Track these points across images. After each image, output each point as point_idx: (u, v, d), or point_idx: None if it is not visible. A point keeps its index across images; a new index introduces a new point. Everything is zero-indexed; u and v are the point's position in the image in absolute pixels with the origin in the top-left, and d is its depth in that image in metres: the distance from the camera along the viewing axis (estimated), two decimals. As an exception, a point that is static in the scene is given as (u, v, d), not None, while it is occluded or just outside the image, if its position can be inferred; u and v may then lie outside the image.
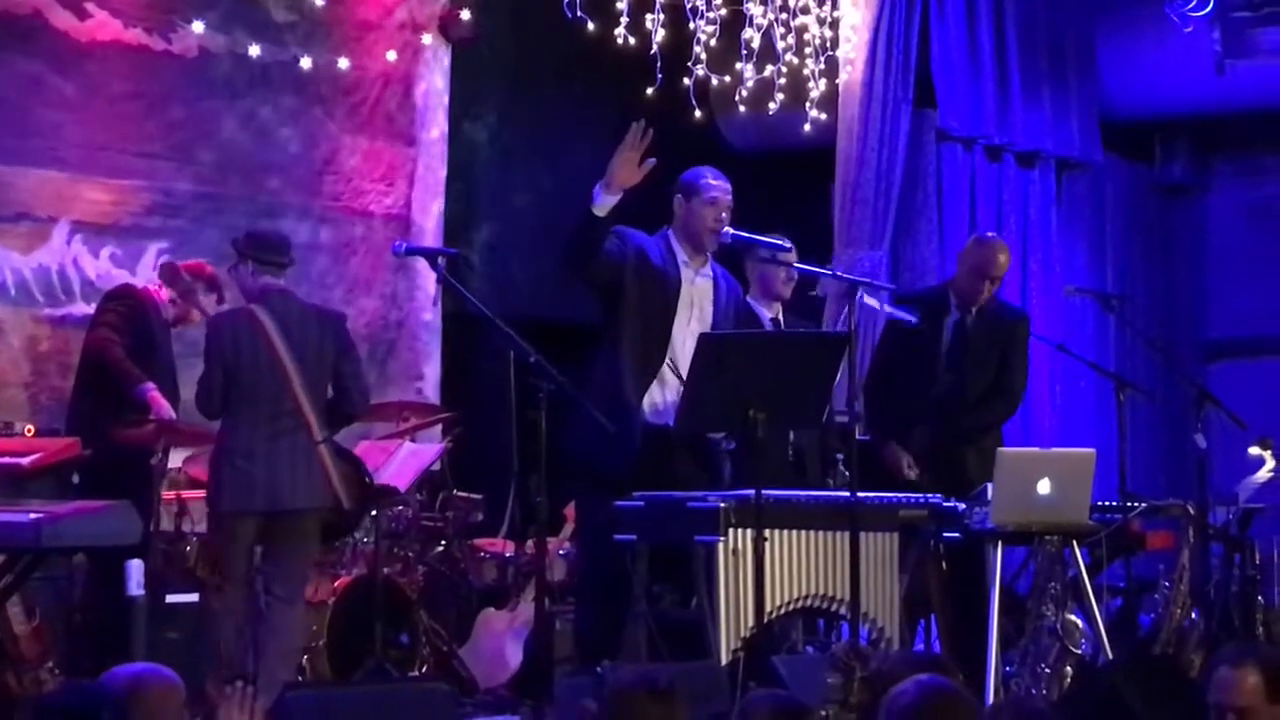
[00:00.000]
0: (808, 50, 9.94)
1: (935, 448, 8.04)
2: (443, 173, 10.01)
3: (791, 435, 7.91)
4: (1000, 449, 7.54)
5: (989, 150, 10.87)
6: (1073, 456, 7.54)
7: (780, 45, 9.84)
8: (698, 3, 9.40)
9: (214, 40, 9.08)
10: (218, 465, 7.18)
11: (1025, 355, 8.32)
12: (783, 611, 6.79)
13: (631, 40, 9.14)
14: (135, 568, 6.77)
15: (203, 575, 7.37)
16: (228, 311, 7.65)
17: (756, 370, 6.52)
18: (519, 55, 10.50)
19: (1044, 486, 7.17)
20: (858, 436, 7.04)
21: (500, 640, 8.40)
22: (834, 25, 10.02)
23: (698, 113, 9.69)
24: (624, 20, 9.08)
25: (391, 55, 9.74)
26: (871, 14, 10.02)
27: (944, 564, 7.40)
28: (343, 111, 9.63)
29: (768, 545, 6.45)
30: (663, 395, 7.02)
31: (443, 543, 8.79)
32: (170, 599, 7.23)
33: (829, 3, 9.98)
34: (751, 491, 6.43)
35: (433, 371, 9.96)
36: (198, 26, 8.96)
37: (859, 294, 6.99)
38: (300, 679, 7.50)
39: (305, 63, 9.35)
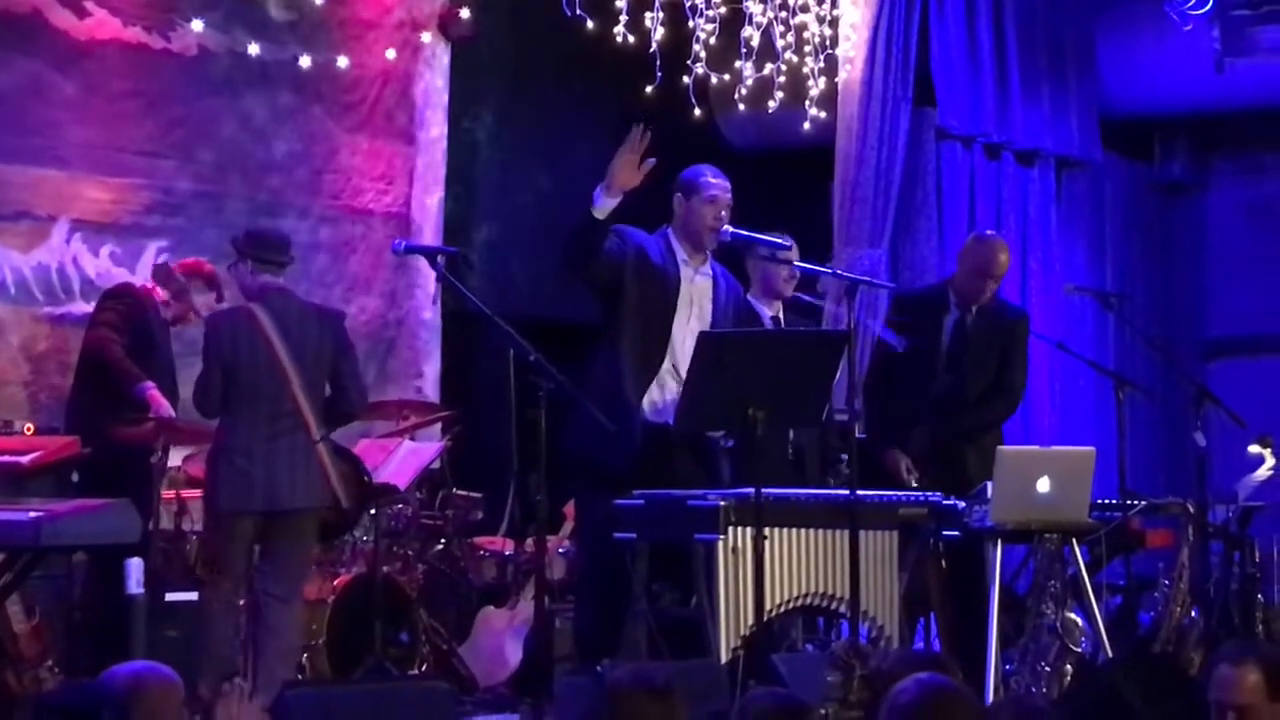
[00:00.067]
0: (807, 48, 9.93)
1: (935, 447, 8.05)
2: (442, 171, 10.01)
3: (791, 434, 7.91)
4: (1000, 447, 7.54)
5: (988, 149, 10.87)
6: (1072, 455, 7.54)
7: (780, 43, 9.83)
8: (697, 1, 9.39)
9: (213, 39, 9.08)
10: (216, 464, 7.17)
11: (1025, 354, 8.33)
12: (782, 610, 6.79)
13: (631, 38, 9.14)
14: (135, 566, 6.77)
15: (201, 574, 7.37)
16: (226, 310, 7.65)
17: (756, 369, 6.52)
18: (518, 53, 10.50)
19: (1044, 485, 7.17)
20: (857, 435, 7.05)
21: (500, 638, 8.40)
22: (833, 23, 10.01)
23: (697, 111, 9.68)
24: (623, 18, 9.07)
25: (391, 54, 9.74)
26: (871, 12, 10.01)
27: (944, 562, 7.40)
28: (342, 110, 9.63)
29: (767, 543, 6.45)
30: (662, 394, 7.03)
31: (442, 541, 8.79)
32: (170, 597, 7.23)
33: (828, 1, 9.97)
34: (751, 490, 6.43)
35: (432, 370, 9.96)
36: (197, 25, 8.96)
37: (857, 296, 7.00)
38: (300, 677, 7.50)
39: (304, 61, 9.35)
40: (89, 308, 8.23)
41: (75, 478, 7.56)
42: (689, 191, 7.16)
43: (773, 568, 6.58)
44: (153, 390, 7.68)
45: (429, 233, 9.87)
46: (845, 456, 7.96)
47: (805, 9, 9.88)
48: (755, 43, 9.74)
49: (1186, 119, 11.93)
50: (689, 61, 9.52)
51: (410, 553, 8.44)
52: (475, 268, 10.02)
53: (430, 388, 9.91)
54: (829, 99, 10.08)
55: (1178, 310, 12.48)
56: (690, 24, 9.40)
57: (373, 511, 7.97)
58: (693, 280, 7.17)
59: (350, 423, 7.68)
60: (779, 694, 4.53)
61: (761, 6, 9.71)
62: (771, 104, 9.98)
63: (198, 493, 7.57)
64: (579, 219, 6.82)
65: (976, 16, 10.61)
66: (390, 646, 7.89)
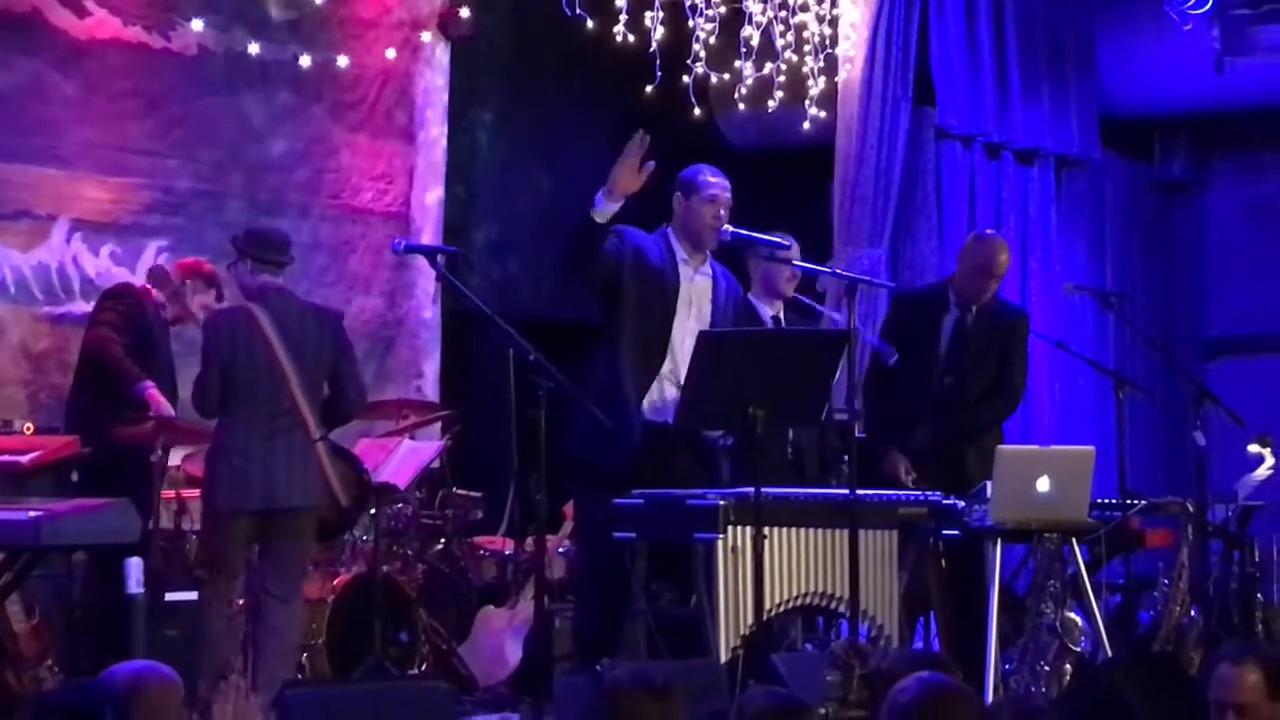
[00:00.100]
0: (807, 48, 9.94)
1: (936, 446, 8.04)
2: (442, 171, 10.02)
3: (790, 433, 7.92)
4: (999, 447, 7.54)
5: (988, 148, 10.87)
6: (1072, 454, 7.54)
7: (779, 43, 9.84)
8: (697, 1, 9.40)
9: (213, 38, 9.08)
10: (214, 463, 7.18)
11: (1025, 353, 8.33)
12: (782, 609, 6.79)
13: (631, 38, 9.15)
14: (134, 566, 6.76)
15: (199, 574, 7.37)
16: (225, 310, 7.65)
17: (756, 368, 6.52)
18: (518, 53, 10.50)
19: (1043, 484, 7.17)
20: (856, 435, 7.05)
21: (499, 638, 8.40)
22: (833, 23, 10.02)
23: (697, 110, 9.69)
24: (623, 18, 9.08)
25: (391, 53, 9.74)
26: (871, 12, 10.02)
27: (943, 562, 7.40)
28: (342, 109, 9.63)
29: (767, 543, 6.45)
30: (661, 394, 7.03)
31: (442, 541, 8.79)
32: (169, 597, 7.23)
33: (828, 0, 9.98)
34: (751, 489, 6.43)
35: (432, 369, 9.96)
36: (197, 24, 8.96)
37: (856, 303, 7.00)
38: (300, 677, 7.50)
39: (304, 61, 9.35)
40: (89, 307, 8.23)
41: (75, 477, 7.57)
42: (688, 191, 7.16)
43: (772, 567, 6.58)
44: (152, 390, 7.68)
45: (429, 232, 9.87)
46: (846, 458, 7.98)
47: (805, 8, 9.89)
48: (755, 42, 9.75)
49: (1186, 118, 11.93)
50: (689, 61, 9.53)
51: (410, 552, 8.44)
52: (474, 267, 10.05)
53: (430, 387, 9.91)
54: (829, 98, 10.09)
55: (1177, 310, 12.48)
56: (690, 23, 9.41)
57: (372, 511, 7.97)
58: (692, 280, 7.17)
59: (348, 423, 7.67)
60: (778, 693, 4.53)
61: (761, 6, 9.71)
62: (771, 103, 9.99)
63: (197, 492, 7.57)
64: (579, 222, 6.83)
65: (976, 16, 10.61)
66: (390, 646, 7.89)
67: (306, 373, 7.21)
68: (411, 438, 8.56)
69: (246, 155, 9.25)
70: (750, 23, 9.69)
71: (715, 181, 7.17)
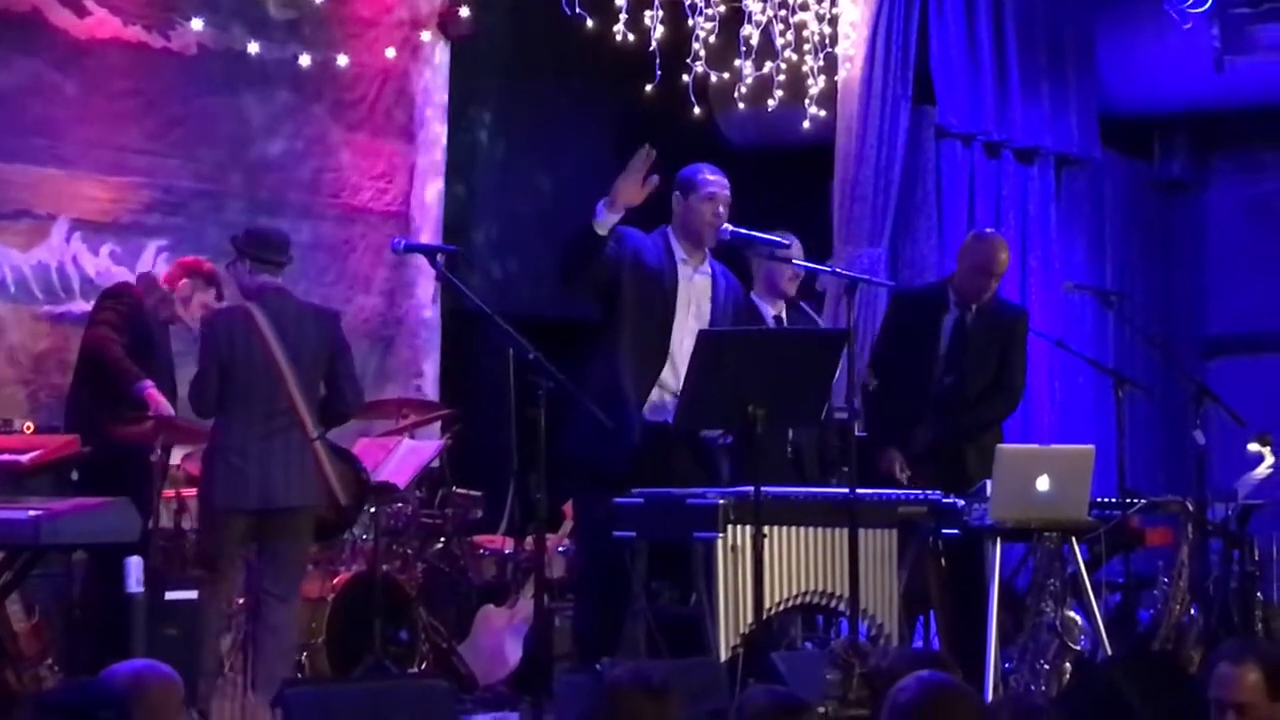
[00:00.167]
0: (807, 47, 9.94)
1: (936, 445, 8.04)
2: (441, 170, 10.01)
3: (790, 433, 7.92)
4: (999, 446, 7.55)
5: (988, 147, 10.87)
6: (1072, 453, 7.54)
7: (779, 42, 9.84)
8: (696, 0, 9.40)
9: (213, 38, 9.08)
10: (211, 462, 7.18)
11: (1024, 352, 8.33)
12: (782, 608, 6.79)
13: (630, 37, 9.14)
14: (134, 565, 6.77)
15: (195, 572, 7.37)
16: (223, 310, 7.65)
17: (756, 367, 6.52)
18: (518, 52, 10.50)
19: (1043, 483, 7.18)
20: (856, 434, 7.05)
21: (499, 637, 8.40)
22: (833, 22, 10.02)
23: (697, 110, 9.69)
24: (623, 17, 9.08)
25: (390, 52, 9.74)
26: (870, 11, 10.02)
27: (943, 561, 7.40)
28: (342, 109, 9.63)
29: (766, 542, 6.45)
30: (661, 393, 7.03)
31: (442, 540, 8.79)
32: (169, 596, 7.22)
33: (828, -1, 9.99)
34: (750, 488, 6.43)
35: (432, 368, 9.96)
36: (196, 24, 8.96)
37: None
38: (299, 675, 7.50)
39: (304, 60, 9.35)
40: (89, 307, 8.23)
41: (75, 476, 7.56)
42: (687, 189, 7.17)
43: (772, 566, 6.58)
44: (151, 389, 7.68)
45: (428, 231, 9.86)
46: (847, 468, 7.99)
47: (805, 7, 9.89)
48: (755, 41, 9.75)
49: (1186, 117, 11.93)
50: (688, 60, 9.53)
51: (410, 551, 8.44)
52: (473, 266, 10.05)
53: (430, 386, 9.91)
54: (828, 97, 10.09)
55: (1177, 308, 12.47)
56: (690, 22, 9.41)
57: (372, 510, 7.97)
58: (691, 279, 7.18)
59: (345, 422, 7.67)
60: (777, 692, 4.53)
61: (761, 5, 9.71)
62: (771, 102, 9.98)
63: (197, 491, 7.57)
64: (579, 232, 6.85)
65: (976, 15, 10.61)
66: (390, 645, 7.89)
67: (304, 372, 7.21)
68: (411, 437, 8.57)
69: (246, 154, 9.25)
70: (750, 22, 9.69)
71: (714, 179, 7.18)
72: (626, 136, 10.47)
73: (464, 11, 9.89)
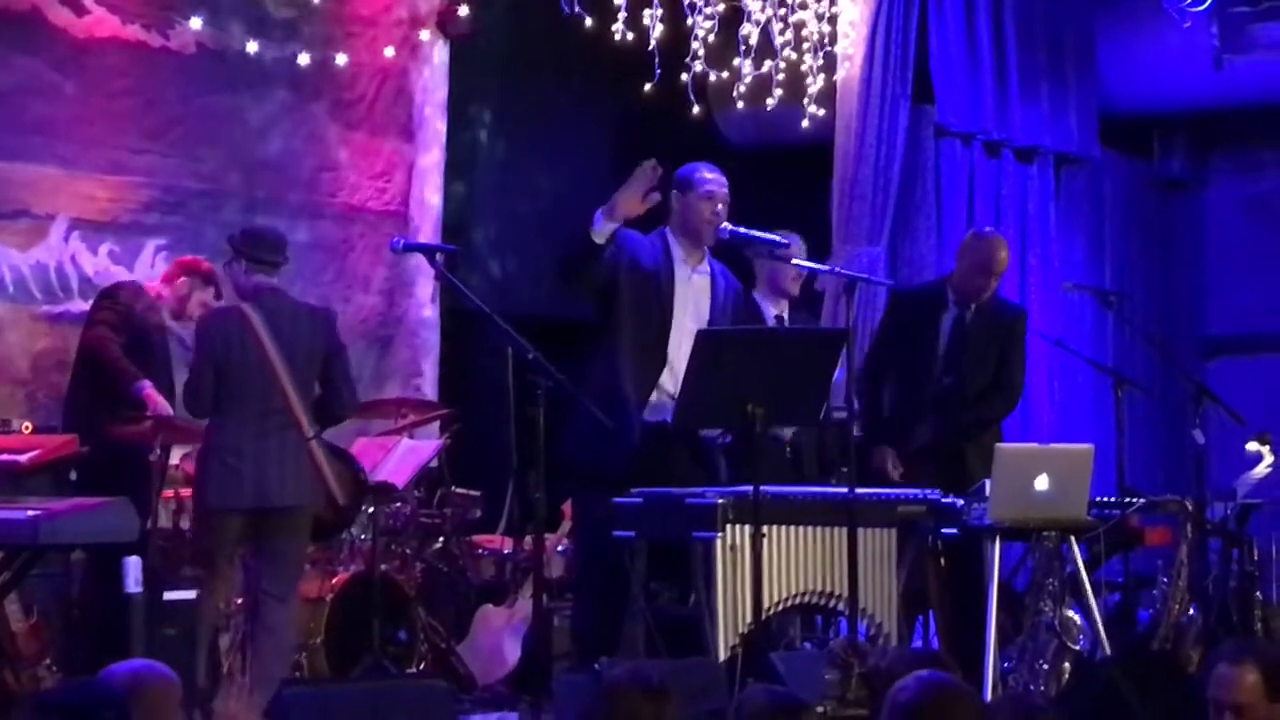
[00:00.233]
0: (806, 46, 9.93)
1: (936, 445, 8.04)
2: (440, 169, 10.00)
3: (789, 433, 7.93)
4: (998, 445, 7.54)
5: (987, 146, 10.86)
6: (1071, 452, 7.54)
7: (778, 41, 9.83)
8: (695, -2, 9.41)
9: (212, 37, 9.07)
10: (206, 462, 7.18)
11: (1024, 351, 8.32)
12: (780, 608, 6.80)
13: (629, 36, 9.14)
14: (133, 564, 6.77)
15: (187, 571, 7.37)
16: (218, 310, 7.65)
17: (754, 367, 6.52)
18: (516, 51, 10.49)
19: (1042, 482, 7.17)
20: (855, 434, 7.06)
21: (498, 636, 8.40)
22: (832, 21, 10.01)
23: (695, 108, 9.69)
24: (622, 15, 9.07)
25: (389, 51, 9.73)
26: (869, 9, 10.01)
27: (942, 560, 7.40)
28: (341, 108, 9.62)
29: (765, 541, 6.45)
30: (659, 394, 7.04)
31: (441, 539, 8.79)
32: (168, 596, 7.22)
33: (827, -2, 9.99)
34: (749, 488, 6.43)
35: (431, 368, 9.95)
36: (195, 23, 8.95)
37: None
38: (298, 676, 7.50)
39: (303, 59, 9.34)
40: (87, 306, 8.22)
41: (73, 476, 7.56)
42: (685, 188, 7.18)
43: (771, 566, 6.58)
44: (149, 389, 7.67)
45: (427, 230, 9.85)
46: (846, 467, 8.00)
47: (804, 6, 9.89)
48: (754, 40, 9.74)
49: (1185, 116, 11.93)
50: (687, 59, 9.53)
51: (409, 551, 8.44)
52: (473, 266, 10.04)
53: (429, 386, 9.90)
54: (828, 96, 10.08)
55: (1177, 308, 12.47)
56: (689, 21, 9.40)
57: (371, 510, 7.97)
58: (690, 279, 7.18)
59: (341, 423, 7.66)
60: (776, 692, 4.54)
61: (760, 4, 9.71)
62: (770, 101, 9.98)
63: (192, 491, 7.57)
64: (579, 243, 6.87)
65: (975, 14, 10.61)
66: (388, 645, 7.89)
67: (299, 372, 7.21)
68: (410, 436, 8.56)
69: (245, 154, 9.24)
70: (749, 20, 9.69)
71: (712, 178, 7.19)
72: (626, 135, 10.52)
73: (463, 10, 9.88)
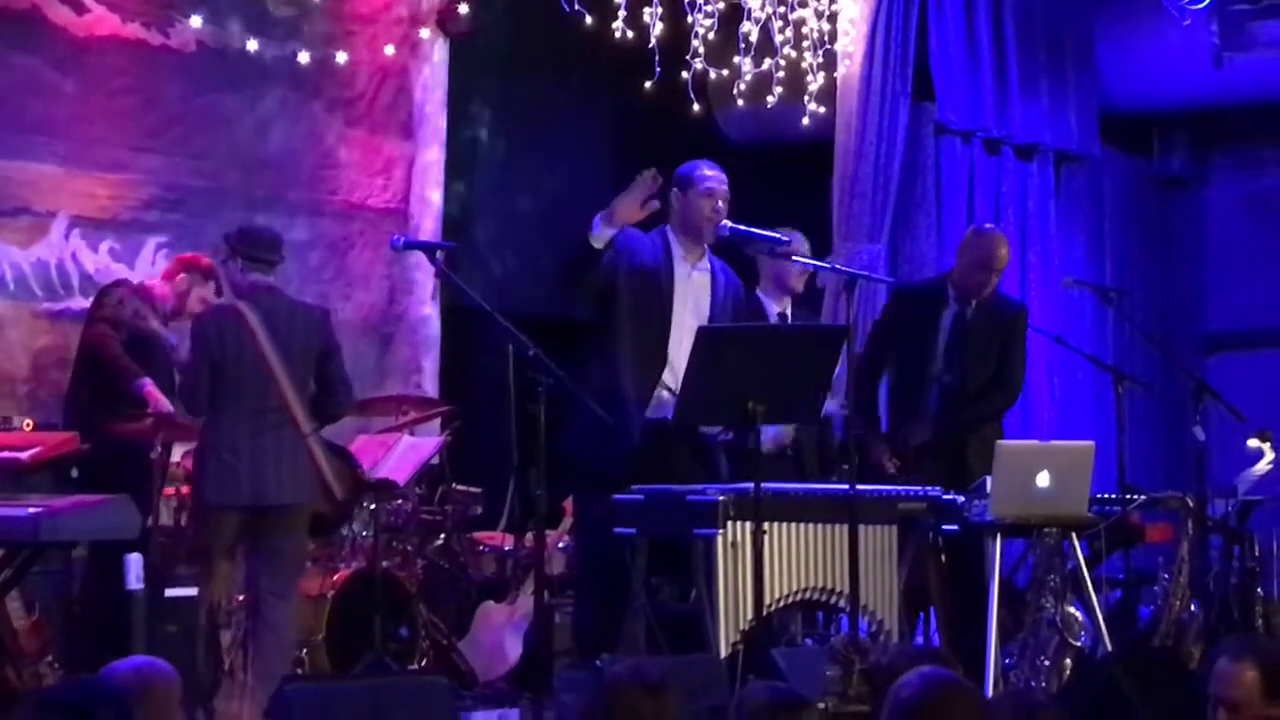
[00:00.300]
0: (806, 44, 9.93)
1: (937, 441, 8.04)
2: (440, 166, 10.00)
3: (788, 435, 7.93)
4: (999, 442, 7.55)
5: (987, 143, 10.86)
6: (1072, 449, 7.54)
7: (778, 39, 9.83)
8: (695, -4, 9.40)
9: (212, 35, 9.07)
10: (203, 459, 7.19)
11: (1024, 347, 8.33)
12: (782, 604, 6.80)
13: (629, 34, 9.13)
14: (134, 561, 6.77)
15: (182, 569, 7.37)
16: (213, 309, 7.65)
17: (755, 364, 6.53)
18: (517, 49, 10.49)
19: (1043, 479, 7.18)
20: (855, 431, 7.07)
21: (499, 633, 8.41)
22: (832, 19, 10.01)
23: (696, 106, 9.68)
24: (622, 14, 9.07)
25: (389, 49, 9.73)
26: (869, 7, 10.01)
27: (943, 557, 7.40)
28: (341, 106, 9.62)
29: (766, 538, 6.46)
30: (660, 391, 7.04)
31: (442, 536, 8.79)
32: (169, 593, 7.22)
33: (826, -4, 9.98)
34: (750, 484, 6.43)
35: (431, 365, 9.95)
36: (195, 21, 8.95)
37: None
38: (299, 672, 7.50)
39: (303, 57, 9.34)
40: (88, 303, 8.22)
41: (74, 474, 7.57)
42: (685, 186, 7.19)
43: (772, 562, 6.58)
44: (150, 386, 7.68)
45: (428, 228, 9.85)
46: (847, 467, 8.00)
47: (804, 4, 9.88)
48: (754, 38, 9.73)
49: (1185, 114, 11.93)
50: (688, 57, 9.52)
51: (410, 548, 8.44)
52: (473, 263, 10.04)
53: (429, 383, 9.90)
54: (828, 94, 10.08)
55: (1177, 304, 12.47)
56: (689, 19, 9.39)
57: (372, 507, 7.97)
58: (689, 276, 7.19)
59: (338, 420, 7.66)
60: (777, 688, 4.53)
61: (760, 1, 9.70)
62: (770, 99, 9.97)
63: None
64: (577, 248, 6.88)
65: (975, 11, 10.61)
66: (390, 641, 7.89)
67: (295, 370, 7.21)
68: (411, 433, 8.56)
69: (245, 151, 9.24)
70: (749, 18, 9.68)
71: (712, 175, 7.20)
72: (626, 133, 10.52)
73: (463, 8, 9.87)
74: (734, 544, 6.56)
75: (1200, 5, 10.78)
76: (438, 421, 9.04)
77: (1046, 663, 7.16)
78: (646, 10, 9.14)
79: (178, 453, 7.82)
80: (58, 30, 8.54)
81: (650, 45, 9.13)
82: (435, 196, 9.98)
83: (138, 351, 7.83)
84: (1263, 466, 8.57)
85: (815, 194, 10.29)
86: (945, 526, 7.30)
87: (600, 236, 6.84)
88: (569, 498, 7.85)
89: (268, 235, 7.54)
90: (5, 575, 6.79)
